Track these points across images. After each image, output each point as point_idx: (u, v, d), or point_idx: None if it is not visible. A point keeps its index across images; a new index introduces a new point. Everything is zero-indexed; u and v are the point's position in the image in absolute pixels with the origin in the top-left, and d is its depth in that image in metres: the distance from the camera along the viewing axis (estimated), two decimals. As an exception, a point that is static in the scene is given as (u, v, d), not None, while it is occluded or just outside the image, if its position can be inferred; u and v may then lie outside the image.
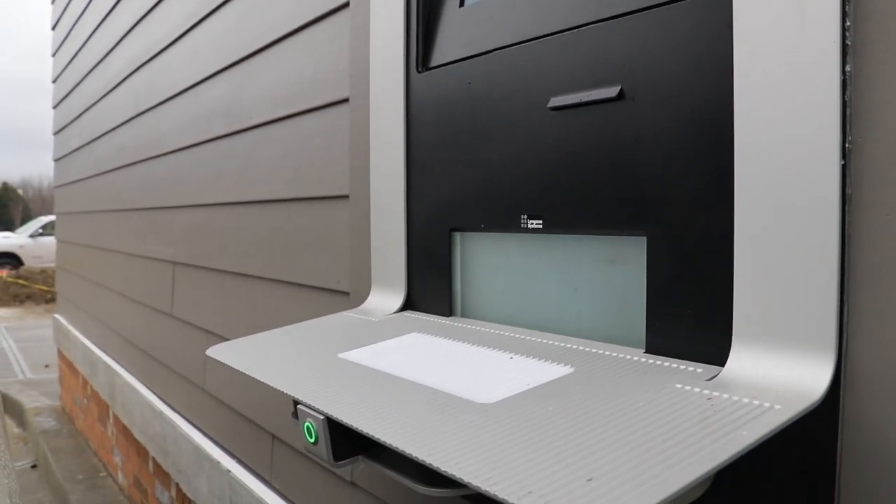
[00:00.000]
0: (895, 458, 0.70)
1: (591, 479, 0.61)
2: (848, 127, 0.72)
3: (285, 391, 0.94)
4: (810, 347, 0.75)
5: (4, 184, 52.18)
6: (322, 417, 0.87)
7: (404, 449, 0.73)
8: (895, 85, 0.70)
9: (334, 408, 0.85)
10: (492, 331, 1.12)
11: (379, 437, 0.76)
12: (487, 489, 0.62)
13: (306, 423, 0.91)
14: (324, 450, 0.90)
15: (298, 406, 0.93)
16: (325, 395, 0.90)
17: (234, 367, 1.08)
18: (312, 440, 0.91)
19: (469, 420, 0.77)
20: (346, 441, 0.90)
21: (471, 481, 0.64)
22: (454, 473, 0.66)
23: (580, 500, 0.59)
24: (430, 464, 0.69)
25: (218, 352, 1.18)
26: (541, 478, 0.63)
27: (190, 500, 2.56)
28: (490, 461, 0.67)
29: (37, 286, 13.59)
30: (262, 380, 1.00)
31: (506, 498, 0.61)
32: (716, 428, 0.68)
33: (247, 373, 1.04)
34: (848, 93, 0.72)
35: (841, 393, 0.74)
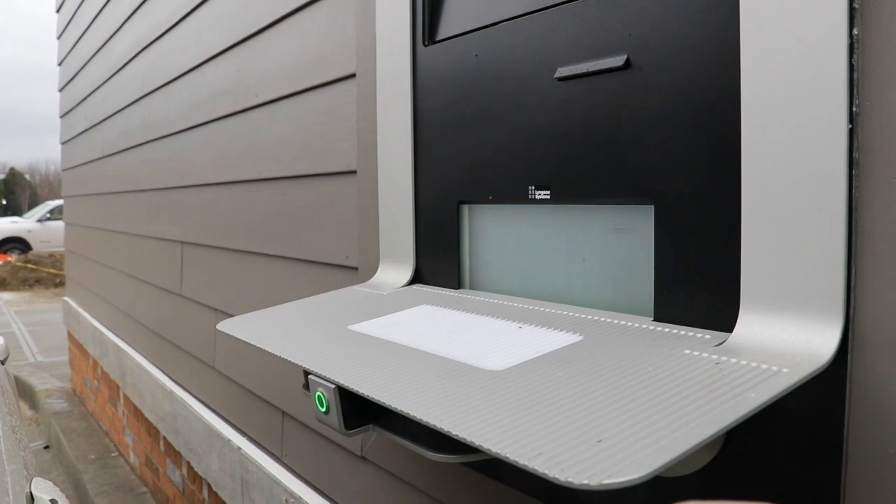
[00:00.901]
0: (902, 420, 0.71)
1: (600, 441, 0.62)
2: (855, 91, 0.72)
3: (296, 362, 0.95)
4: (818, 312, 0.75)
5: (12, 169, 52.30)
6: (333, 387, 0.88)
7: (416, 415, 0.73)
8: (904, 48, 0.70)
9: (345, 376, 0.86)
10: (500, 302, 1.13)
11: (390, 403, 0.77)
12: (499, 451, 0.63)
13: (318, 393, 0.92)
14: (335, 419, 0.91)
15: (310, 376, 0.94)
16: (336, 365, 0.90)
17: (245, 340, 1.09)
18: (324, 409, 0.92)
19: (479, 386, 0.78)
20: (358, 410, 0.91)
21: (482, 444, 0.65)
22: (466, 437, 0.67)
23: (590, 460, 0.59)
24: (442, 428, 0.70)
25: (228, 326, 1.19)
26: (551, 440, 0.64)
27: (201, 479, 2.59)
28: (501, 425, 0.68)
29: (45, 270, 13.65)
30: (273, 352, 1.01)
31: (517, 460, 0.61)
32: (725, 391, 0.69)
33: (258, 345, 1.05)
34: (855, 57, 0.72)
35: (849, 356, 0.74)
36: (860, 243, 0.74)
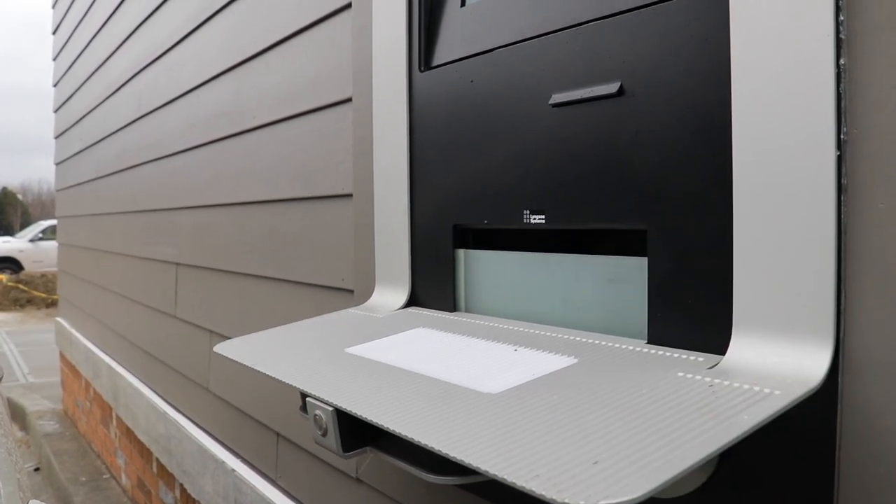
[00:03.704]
0: (893, 442, 0.72)
1: (596, 463, 0.63)
2: (843, 118, 0.74)
3: (294, 384, 0.96)
4: (809, 334, 0.76)
5: (4, 188, 52.17)
6: (331, 409, 0.89)
7: (414, 437, 0.74)
8: (888, 77, 0.72)
9: (343, 399, 0.87)
10: (496, 325, 1.14)
11: (389, 426, 0.78)
12: (496, 473, 0.64)
13: (316, 415, 0.92)
14: (333, 441, 0.91)
15: (307, 399, 0.94)
16: (333, 387, 0.91)
17: (242, 362, 1.10)
18: (321, 432, 0.92)
19: (476, 409, 0.79)
20: (355, 432, 0.92)
21: (479, 466, 0.66)
22: (463, 459, 0.68)
23: (586, 482, 0.60)
24: (440, 451, 0.71)
25: (225, 348, 1.19)
26: (548, 462, 0.64)
27: (194, 501, 2.57)
28: (498, 447, 0.69)
29: (36, 293, 13.59)
30: (270, 374, 1.01)
31: (514, 481, 0.62)
32: (717, 413, 0.70)
33: (255, 368, 1.06)
34: (842, 85, 0.74)
35: (839, 378, 0.75)
36: (849, 267, 0.75)
